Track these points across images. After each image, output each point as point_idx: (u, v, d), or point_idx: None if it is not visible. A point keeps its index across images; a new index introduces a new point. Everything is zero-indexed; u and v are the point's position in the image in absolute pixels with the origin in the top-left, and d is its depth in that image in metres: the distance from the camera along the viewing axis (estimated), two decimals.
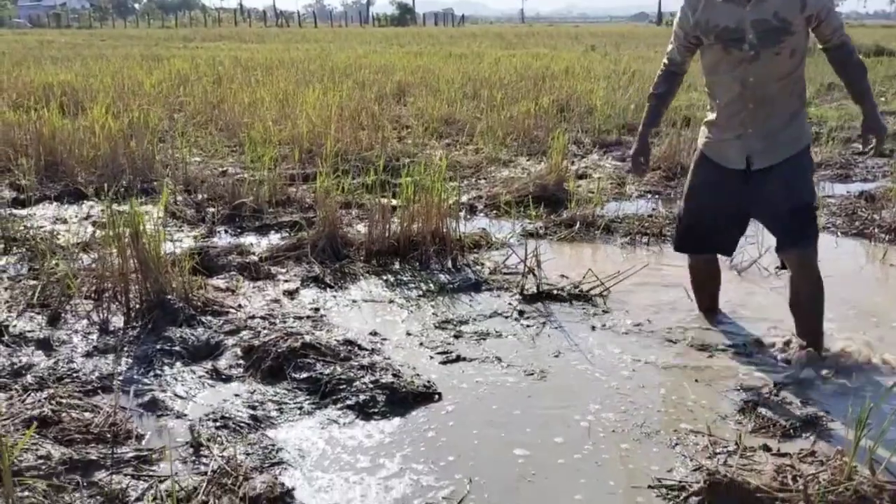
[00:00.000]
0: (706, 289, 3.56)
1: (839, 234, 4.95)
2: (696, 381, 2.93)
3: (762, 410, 2.64)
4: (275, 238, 4.74)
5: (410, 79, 11.93)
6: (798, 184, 3.02)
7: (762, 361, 3.08)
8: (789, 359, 3.05)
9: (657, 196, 5.98)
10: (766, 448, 2.37)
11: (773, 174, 2.99)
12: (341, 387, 2.81)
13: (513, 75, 11.88)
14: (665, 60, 3.22)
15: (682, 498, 2.16)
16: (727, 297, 3.73)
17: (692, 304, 3.65)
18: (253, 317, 3.45)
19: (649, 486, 2.24)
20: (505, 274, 4.10)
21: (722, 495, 2.11)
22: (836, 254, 4.56)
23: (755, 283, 4.06)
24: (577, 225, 4.92)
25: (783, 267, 3.21)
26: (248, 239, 4.71)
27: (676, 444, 2.46)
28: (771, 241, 3.27)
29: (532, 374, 2.98)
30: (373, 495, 2.22)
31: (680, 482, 2.23)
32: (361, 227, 4.74)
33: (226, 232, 4.87)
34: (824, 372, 2.93)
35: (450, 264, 4.23)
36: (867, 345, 3.12)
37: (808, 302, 3.07)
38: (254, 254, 4.36)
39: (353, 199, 5.20)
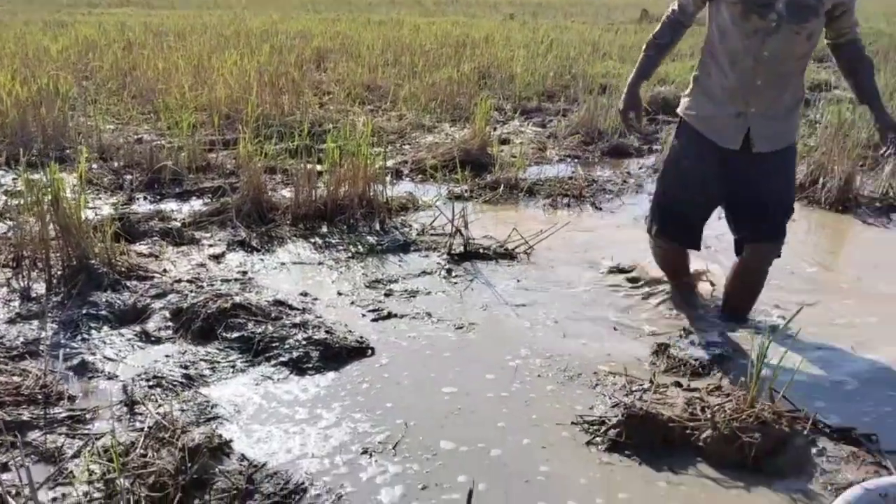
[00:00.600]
0: (677, 268, 3.26)
1: None
2: (615, 329, 3.10)
3: (674, 352, 2.83)
4: (197, 204, 4.68)
5: (329, 45, 11.77)
6: (790, 178, 2.93)
7: (674, 310, 3.28)
8: (697, 304, 3.26)
9: (576, 160, 6.16)
10: (678, 384, 2.55)
11: (768, 162, 2.81)
12: (274, 344, 2.85)
13: (433, 42, 11.87)
14: (674, 7, 2.92)
15: (602, 431, 2.32)
16: (640, 252, 3.93)
17: (610, 260, 3.84)
18: (179, 280, 3.43)
19: (572, 423, 2.39)
20: (433, 235, 4.19)
21: (638, 427, 2.27)
22: None
23: None
24: (501, 188, 5.05)
25: (739, 253, 3.04)
26: (170, 205, 4.63)
27: (597, 385, 2.63)
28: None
29: (461, 327, 3.09)
30: (311, 443, 2.29)
31: (600, 417, 2.39)
32: (287, 192, 4.73)
33: (145, 199, 4.77)
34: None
35: (378, 226, 4.29)
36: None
37: (753, 289, 3.08)
38: (176, 220, 4.30)
39: (276, 164, 5.17)
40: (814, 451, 2.25)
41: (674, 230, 3.06)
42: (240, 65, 7.97)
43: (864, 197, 4.87)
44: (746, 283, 3.08)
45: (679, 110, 2.98)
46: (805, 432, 2.27)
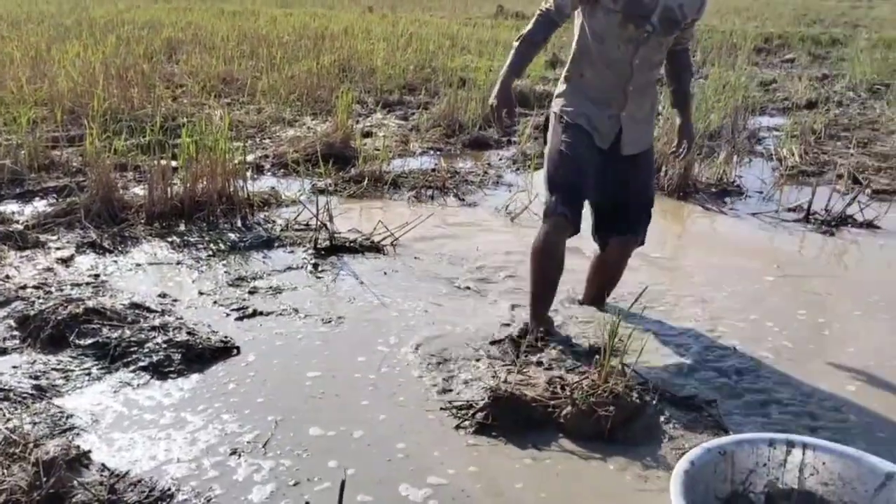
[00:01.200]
0: (555, 276, 2.96)
1: None
2: (476, 315, 3.20)
3: (534, 334, 2.96)
4: (41, 204, 4.38)
5: (181, 36, 11.29)
6: (651, 175, 3.10)
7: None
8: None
9: (439, 152, 6.27)
10: (539, 364, 2.68)
11: (633, 163, 2.92)
12: (132, 349, 2.74)
13: (291, 34, 11.65)
14: (548, 6, 2.81)
15: (470, 414, 2.40)
16: (502, 241, 4.08)
17: (475, 250, 3.95)
18: (24, 287, 3.22)
19: (441, 409, 2.46)
20: (297, 230, 4.14)
21: (504, 408, 2.37)
22: None
23: (530, 228, 4.44)
24: (366, 181, 5.06)
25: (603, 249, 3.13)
26: (10, 207, 4.31)
27: (462, 369, 2.71)
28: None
29: (329, 321, 3.09)
30: (177, 448, 2.22)
31: (468, 401, 2.47)
32: (139, 190, 4.53)
33: None
34: (579, 299, 3.33)
35: (239, 223, 4.19)
36: None
37: (615, 279, 3.22)
38: (17, 222, 4.02)
39: (128, 160, 4.92)
40: (662, 419, 2.43)
41: (575, 206, 2.90)
42: (83, 56, 7.51)
43: (701, 183, 5.27)
44: (611, 274, 3.21)
45: (556, 109, 2.94)
46: (654, 402, 2.46)
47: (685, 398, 2.54)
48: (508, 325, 3.10)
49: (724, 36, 14.51)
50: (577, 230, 2.92)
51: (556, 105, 2.96)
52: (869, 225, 4.61)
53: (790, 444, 1.85)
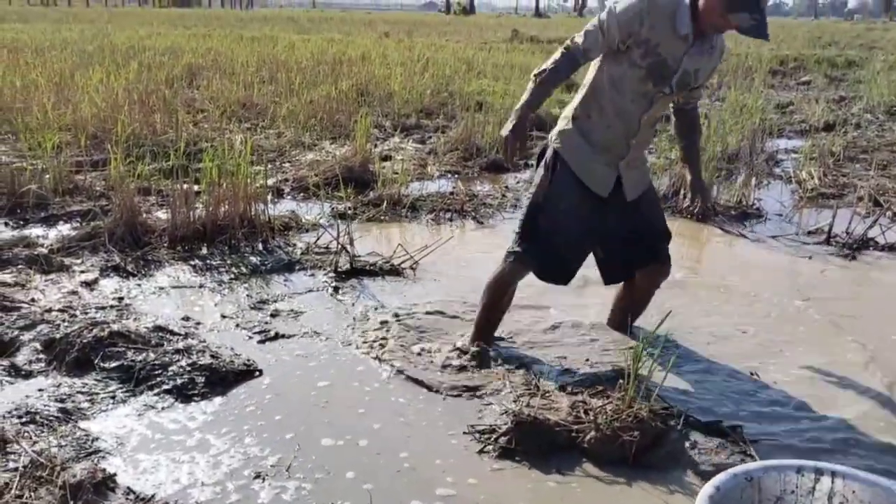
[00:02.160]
0: (506, 308, 3.10)
1: None
2: (503, 337, 3.19)
3: (557, 358, 2.96)
4: (65, 228, 4.44)
5: (201, 62, 11.46)
6: (660, 209, 3.15)
7: (554, 319, 3.43)
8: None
9: (456, 175, 6.30)
10: (562, 388, 2.67)
11: (636, 205, 2.92)
12: (156, 372, 2.76)
13: (309, 60, 11.80)
14: (573, 45, 2.73)
15: (493, 439, 2.40)
16: None
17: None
18: (50, 310, 3.25)
19: (464, 433, 2.45)
20: (317, 253, 4.17)
21: (527, 432, 2.37)
22: None
23: None
24: (385, 204, 5.09)
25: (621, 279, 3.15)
26: (35, 231, 4.37)
27: (485, 394, 2.70)
28: None
29: (350, 344, 3.10)
30: (201, 472, 2.23)
31: (490, 426, 2.47)
32: (162, 214, 4.58)
33: (6, 225, 4.48)
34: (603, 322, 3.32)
35: (260, 247, 4.22)
36: None
37: (640, 310, 3.21)
38: (42, 245, 4.07)
39: (150, 184, 4.99)
40: (687, 444, 2.41)
41: (552, 267, 2.97)
42: (106, 82, 7.64)
43: (720, 205, 5.25)
44: (638, 304, 3.20)
45: (555, 145, 2.89)
46: (678, 427, 2.44)
47: (710, 423, 2.51)
48: (533, 350, 3.09)
49: (739, 59, 14.54)
50: (555, 281, 2.99)
51: (558, 141, 2.89)
52: (891, 248, 4.57)
53: (819, 472, 1.83)
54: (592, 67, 2.84)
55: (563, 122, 2.92)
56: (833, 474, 1.82)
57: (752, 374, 2.95)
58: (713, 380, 2.89)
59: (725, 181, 5.72)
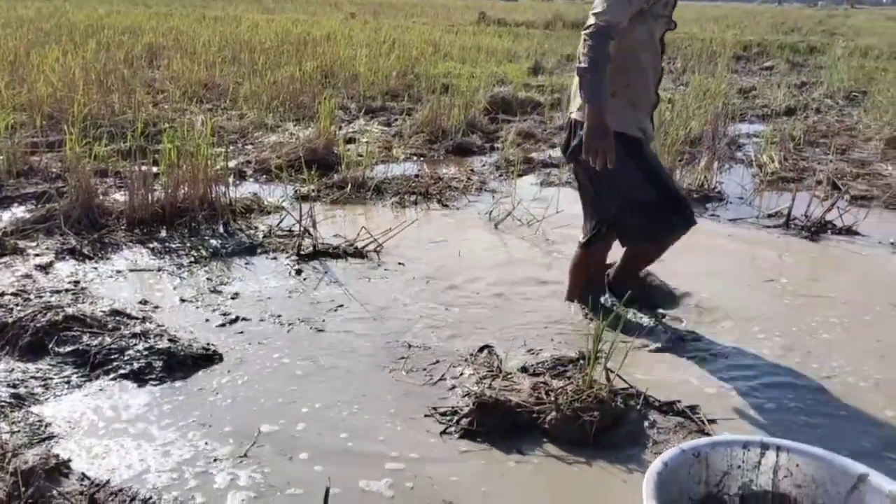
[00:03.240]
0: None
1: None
2: (461, 321, 3.19)
3: (520, 340, 2.97)
4: (19, 211, 4.33)
5: (162, 41, 11.22)
6: None
7: (518, 302, 3.44)
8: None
9: (422, 158, 6.27)
10: (524, 370, 2.68)
11: None
12: (112, 357, 2.71)
13: (273, 40, 11.62)
14: (601, 23, 2.66)
15: (455, 420, 2.40)
16: (485, 248, 4.08)
17: (457, 256, 3.96)
18: (2, 294, 3.17)
19: (426, 415, 2.45)
20: (280, 236, 4.12)
21: (489, 414, 2.37)
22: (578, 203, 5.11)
23: (512, 234, 4.44)
24: (349, 187, 5.04)
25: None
26: None
27: (447, 376, 2.70)
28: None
29: (312, 327, 3.07)
30: (158, 457, 2.19)
31: (452, 408, 2.47)
32: (120, 196, 4.49)
33: None
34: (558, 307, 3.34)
35: (221, 229, 4.16)
36: None
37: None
38: None
39: (108, 166, 4.88)
40: (646, 424, 2.44)
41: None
42: (63, 62, 7.43)
43: (683, 189, 5.30)
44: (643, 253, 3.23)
45: (619, 128, 2.81)
46: (638, 408, 2.47)
47: (669, 403, 2.54)
48: (494, 332, 3.10)
49: (703, 44, 14.65)
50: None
51: (625, 121, 2.87)
52: (848, 231, 4.66)
53: (764, 447, 1.86)
54: (618, 43, 2.73)
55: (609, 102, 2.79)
56: (778, 449, 1.85)
57: (719, 353, 2.99)
58: (675, 360, 2.92)
59: (688, 165, 5.77)
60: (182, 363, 2.72)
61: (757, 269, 4.01)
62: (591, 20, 2.70)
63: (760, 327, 3.26)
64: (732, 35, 17.74)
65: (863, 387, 2.78)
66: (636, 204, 3.00)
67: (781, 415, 2.56)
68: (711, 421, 2.47)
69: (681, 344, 3.05)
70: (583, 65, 2.71)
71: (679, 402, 2.55)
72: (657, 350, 2.99)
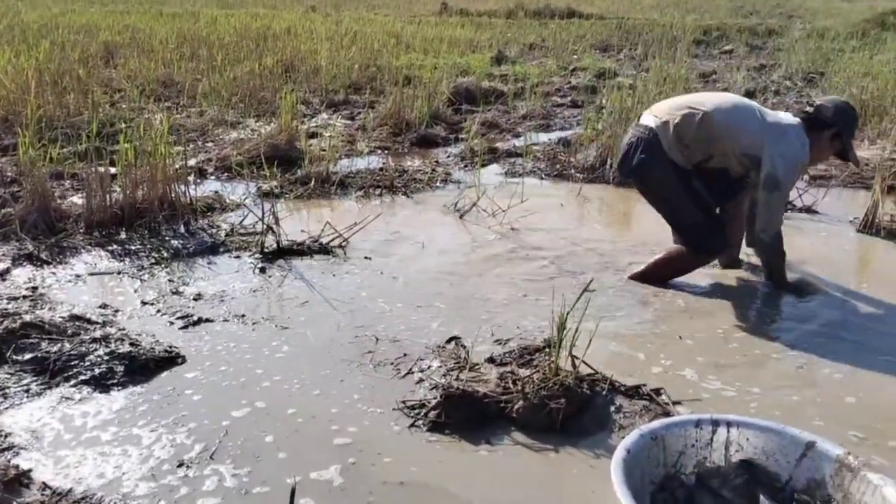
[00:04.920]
0: None
1: (543, 175, 5.57)
2: (428, 313, 3.19)
3: (486, 331, 2.98)
4: None
5: (118, 39, 11.01)
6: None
7: (485, 292, 3.44)
8: None
9: (386, 151, 6.24)
10: (491, 360, 2.68)
11: None
12: (73, 363, 2.65)
13: (233, 35, 11.45)
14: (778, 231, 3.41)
15: (423, 413, 2.39)
16: (451, 239, 4.08)
17: (421, 247, 3.95)
18: None
19: (394, 409, 2.44)
20: (243, 235, 4.07)
21: (457, 405, 2.37)
22: (543, 192, 5.14)
23: (478, 225, 4.44)
24: (313, 182, 5.00)
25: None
26: None
27: (414, 370, 2.69)
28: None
29: (277, 325, 3.04)
30: (122, 463, 2.16)
31: (420, 401, 2.46)
32: (77, 199, 4.40)
33: None
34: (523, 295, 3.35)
35: (182, 229, 4.10)
36: None
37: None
38: None
39: (64, 168, 4.78)
40: (612, 409, 2.45)
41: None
42: (15, 63, 7.25)
43: None
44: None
45: (675, 160, 3.38)
46: (604, 393, 2.48)
47: (634, 387, 2.56)
48: (459, 321, 3.09)
49: (664, 29, 14.78)
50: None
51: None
52: (808, 210, 4.73)
53: (715, 424, 1.90)
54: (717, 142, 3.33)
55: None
56: (728, 424, 1.89)
57: (678, 336, 3.02)
58: (639, 344, 2.94)
59: None
60: (144, 367, 2.67)
61: None
62: (772, 229, 3.36)
63: (723, 309, 3.30)
64: (692, 20, 17.90)
65: (820, 363, 2.83)
66: (681, 224, 3.50)
67: (743, 395, 2.59)
68: (676, 403, 2.50)
69: (645, 327, 3.08)
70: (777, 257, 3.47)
71: (644, 385, 2.57)
72: (623, 334, 3.02)
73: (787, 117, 3.42)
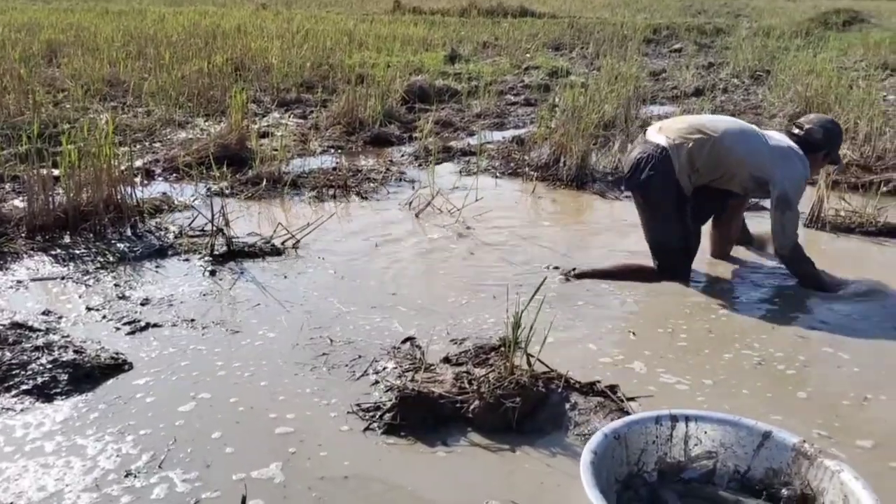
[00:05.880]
0: None
1: (498, 174, 5.58)
2: (383, 314, 3.16)
3: (441, 330, 2.96)
4: None
5: (62, 38, 10.70)
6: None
7: (440, 291, 3.42)
8: None
9: (340, 150, 6.18)
10: (447, 360, 2.67)
11: None
12: (14, 372, 2.56)
13: (181, 33, 11.23)
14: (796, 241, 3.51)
15: (378, 416, 2.36)
16: (406, 238, 4.05)
17: (375, 246, 3.92)
18: None
19: (349, 412, 2.41)
20: (192, 237, 3.98)
21: (412, 407, 2.35)
22: (497, 190, 5.14)
23: (432, 224, 4.42)
24: (264, 182, 4.92)
25: None
26: None
27: (370, 371, 2.66)
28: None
29: (228, 329, 2.98)
30: (66, 475, 2.08)
31: (375, 403, 2.43)
32: (19, 202, 4.26)
33: None
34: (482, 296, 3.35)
35: (129, 232, 3.99)
36: None
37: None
38: None
39: (4, 171, 4.62)
40: (567, 406, 2.45)
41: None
42: None
43: (598, 172, 5.39)
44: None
45: (679, 179, 3.52)
46: (559, 391, 2.48)
47: (589, 384, 2.56)
48: (414, 320, 3.07)
49: (615, 28, 14.95)
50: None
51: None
52: (761, 207, 4.83)
53: (674, 419, 1.91)
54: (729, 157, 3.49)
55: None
56: (686, 419, 1.90)
57: (631, 332, 3.04)
58: (595, 341, 2.96)
59: (602, 148, 5.87)
60: (89, 375, 2.59)
61: None
62: (790, 244, 3.49)
63: (677, 306, 3.34)
64: (643, 19, 18.16)
65: (778, 357, 2.88)
66: (661, 245, 3.63)
67: (697, 390, 2.62)
68: (631, 399, 2.50)
69: (600, 324, 3.10)
70: (804, 266, 3.57)
71: (599, 382, 2.57)
72: (578, 332, 3.03)
73: (784, 139, 3.60)
